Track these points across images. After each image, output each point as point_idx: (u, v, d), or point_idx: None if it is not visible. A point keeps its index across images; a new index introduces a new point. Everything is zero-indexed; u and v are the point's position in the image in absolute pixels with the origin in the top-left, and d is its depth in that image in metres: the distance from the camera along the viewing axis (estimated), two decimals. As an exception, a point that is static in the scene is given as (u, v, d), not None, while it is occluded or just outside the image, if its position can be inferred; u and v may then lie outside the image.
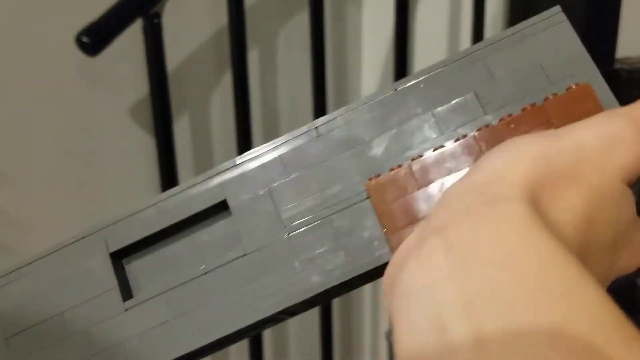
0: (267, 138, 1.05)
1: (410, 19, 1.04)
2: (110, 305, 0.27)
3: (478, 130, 0.25)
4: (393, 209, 0.25)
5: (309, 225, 0.26)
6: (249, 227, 0.27)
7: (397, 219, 0.24)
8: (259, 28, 0.99)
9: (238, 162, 0.27)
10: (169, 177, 0.85)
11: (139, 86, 0.87)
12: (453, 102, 0.26)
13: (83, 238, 0.28)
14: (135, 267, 0.28)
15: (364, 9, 1.12)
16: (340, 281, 0.26)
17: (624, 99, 0.59)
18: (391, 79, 0.97)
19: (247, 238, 0.26)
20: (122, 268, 0.28)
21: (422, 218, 0.24)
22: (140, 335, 0.26)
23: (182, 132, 0.95)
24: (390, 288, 0.22)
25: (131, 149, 0.90)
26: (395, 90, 0.27)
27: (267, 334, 1.17)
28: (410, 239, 0.22)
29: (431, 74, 0.27)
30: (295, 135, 0.27)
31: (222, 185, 0.27)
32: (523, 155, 0.21)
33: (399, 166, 0.25)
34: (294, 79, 1.04)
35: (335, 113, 0.28)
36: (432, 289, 0.19)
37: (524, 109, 0.25)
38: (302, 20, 0.99)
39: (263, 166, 0.27)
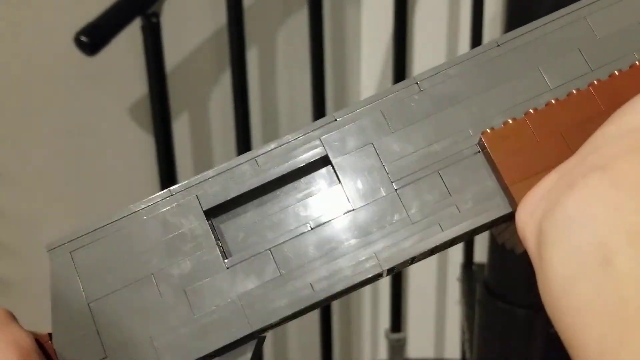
0: (266, 137, 1.05)
1: (409, 19, 1.05)
2: (210, 265, 0.25)
3: (591, 84, 0.25)
4: (513, 161, 0.24)
5: (418, 179, 0.26)
6: (355, 182, 0.26)
7: (519, 170, 0.24)
8: (258, 27, 0.99)
9: (338, 118, 0.27)
10: (168, 176, 0.86)
11: (138, 85, 0.87)
12: (558, 59, 0.26)
13: (172, 195, 0.26)
14: (229, 226, 0.27)
15: (362, 8, 1.12)
16: (456, 234, 0.25)
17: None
18: (390, 78, 0.97)
19: (354, 193, 0.26)
20: (217, 226, 0.27)
21: (545, 169, 0.24)
22: (246, 293, 0.25)
23: (181, 131, 0.95)
24: (531, 222, 0.22)
25: (130, 148, 0.90)
26: (498, 45, 0.27)
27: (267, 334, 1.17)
28: (547, 182, 0.22)
29: (532, 30, 0.27)
30: (395, 90, 0.27)
31: (323, 140, 0.26)
32: None
33: (514, 119, 0.25)
34: (293, 78, 1.05)
35: (436, 68, 0.27)
36: (598, 218, 0.19)
37: (632, 66, 0.25)
38: (301, 20, 0.99)
39: (364, 121, 0.26)
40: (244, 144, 0.88)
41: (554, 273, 0.20)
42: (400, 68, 0.95)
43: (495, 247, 0.70)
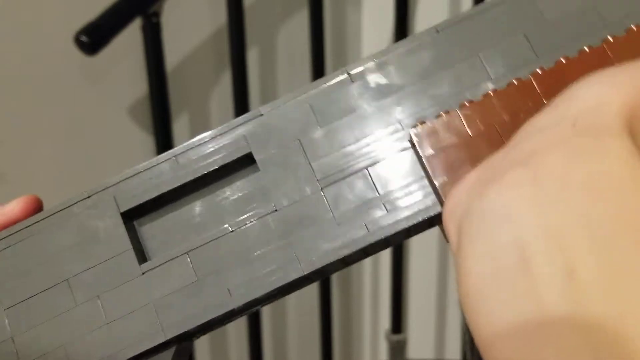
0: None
1: (410, 19, 1.04)
2: (124, 270, 0.24)
3: (533, 73, 0.23)
4: (443, 158, 0.23)
5: (345, 177, 0.24)
6: (279, 181, 0.24)
7: (448, 168, 0.23)
8: (259, 27, 0.99)
9: (263, 112, 0.25)
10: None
11: (138, 85, 0.87)
12: (501, 45, 0.24)
13: (89, 197, 0.25)
14: (148, 228, 0.25)
15: (363, 9, 1.12)
16: (383, 236, 0.24)
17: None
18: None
19: (277, 193, 0.24)
20: (135, 229, 0.25)
21: (466, 163, 0.22)
22: (161, 299, 0.24)
23: (181, 131, 0.95)
24: (453, 218, 0.21)
25: (130, 148, 0.90)
26: (437, 32, 0.25)
27: (267, 333, 1.17)
28: (472, 176, 0.21)
29: (475, 14, 0.25)
30: (326, 82, 0.25)
31: (247, 136, 0.25)
32: (619, 85, 0.19)
33: (447, 112, 0.23)
34: (293, 78, 1.05)
35: (370, 57, 0.25)
36: (517, 217, 0.18)
37: (581, 52, 0.23)
38: (301, 20, 0.99)
39: (292, 115, 0.25)
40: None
41: (470, 271, 0.18)
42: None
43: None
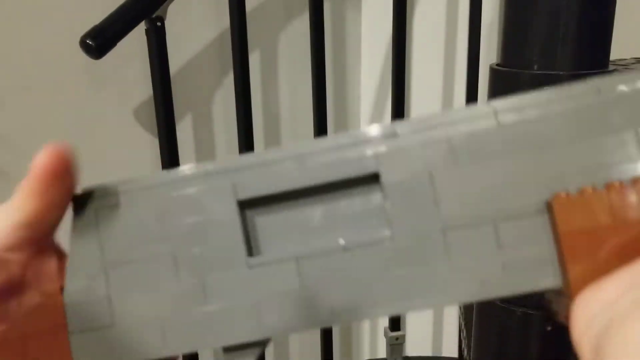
0: (268, 138, 1.06)
1: (408, 22, 1.05)
2: (232, 258, 0.23)
3: None
4: (581, 238, 0.21)
5: (469, 226, 0.22)
6: (401, 209, 0.23)
7: (584, 252, 0.21)
8: (261, 31, 1.00)
9: (399, 131, 0.23)
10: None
11: (143, 88, 0.88)
12: None
13: (207, 175, 0.24)
14: (261, 221, 0.24)
15: (363, 13, 1.13)
16: (492, 295, 0.22)
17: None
18: (390, 82, 0.98)
19: (398, 221, 0.23)
20: (247, 219, 0.24)
21: (615, 261, 0.20)
22: (264, 296, 0.23)
23: (185, 133, 0.95)
24: (589, 332, 0.19)
25: (135, 149, 0.91)
26: (599, 91, 0.23)
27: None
28: (611, 289, 0.20)
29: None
30: (469, 114, 0.23)
31: (377, 155, 0.23)
32: None
33: (594, 188, 0.21)
34: (295, 81, 1.05)
35: (520, 100, 0.23)
36: None
37: None
38: (302, 24, 0.99)
39: (427, 144, 0.23)
40: (246, 145, 0.89)
41: None
42: (399, 71, 0.96)
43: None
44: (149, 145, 0.91)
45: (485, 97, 0.64)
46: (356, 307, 0.23)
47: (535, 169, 0.22)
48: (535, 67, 0.58)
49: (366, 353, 1.33)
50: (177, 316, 0.23)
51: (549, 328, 0.65)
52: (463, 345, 0.99)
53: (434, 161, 0.23)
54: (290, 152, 0.24)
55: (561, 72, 0.56)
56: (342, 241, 0.23)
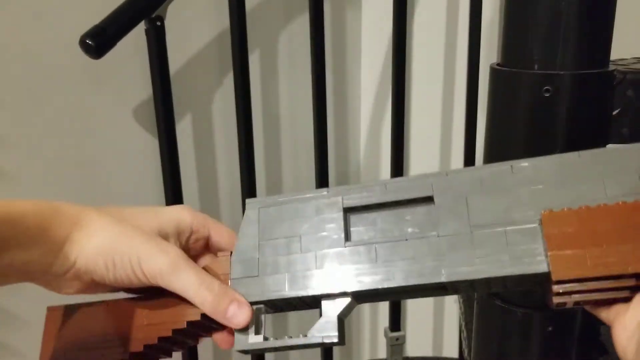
0: (268, 138, 1.06)
1: (408, 22, 1.05)
2: (335, 242, 0.38)
3: (636, 201, 0.33)
4: (558, 236, 0.33)
5: (489, 230, 0.35)
6: (446, 219, 0.36)
7: (562, 244, 0.33)
8: (261, 31, 1.00)
9: (449, 174, 0.37)
10: (171, 177, 0.86)
11: (143, 88, 0.88)
12: (620, 177, 0.34)
13: (327, 193, 0.39)
14: (355, 221, 0.39)
15: (363, 13, 1.13)
16: (502, 274, 0.34)
17: (619, 99, 0.60)
18: (389, 82, 0.98)
19: (442, 225, 0.36)
20: (348, 219, 0.39)
21: (579, 248, 0.32)
22: (352, 267, 0.37)
23: (185, 133, 0.96)
24: (635, 345, 0.29)
25: (134, 149, 0.91)
26: (579, 156, 0.35)
27: (269, 330, 1.18)
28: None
29: (607, 152, 0.35)
30: (495, 168, 0.36)
31: (433, 185, 0.37)
32: None
33: (570, 208, 0.34)
34: (295, 81, 1.05)
35: (528, 160, 0.36)
36: None
37: None
38: (302, 24, 0.99)
39: (464, 179, 0.37)
40: (246, 145, 0.89)
41: None
42: (399, 71, 0.96)
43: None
44: (149, 145, 0.91)
45: (485, 97, 0.64)
46: (409, 273, 0.36)
47: (534, 198, 0.35)
48: (536, 67, 0.58)
49: (366, 353, 1.33)
50: (296, 272, 0.38)
51: (549, 328, 0.65)
52: (463, 346, 0.99)
53: (468, 188, 0.36)
54: (379, 181, 0.38)
55: (562, 72, 0.56)
56: (405, 235, 0.37)
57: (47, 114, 0.83)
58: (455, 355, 1.25)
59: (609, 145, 0.34)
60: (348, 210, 0.39)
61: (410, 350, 1.30)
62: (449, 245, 0.35)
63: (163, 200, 0.88)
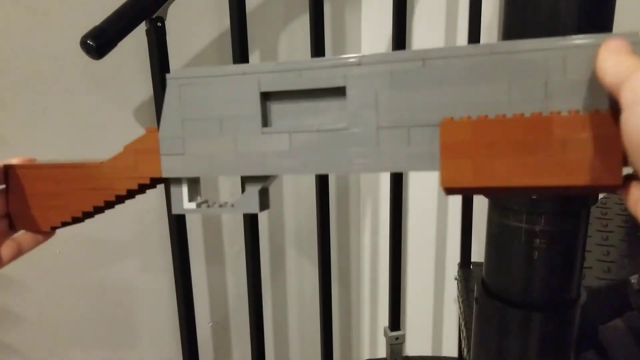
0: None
1: (408, 22, 1.05)
2: (254, 127, 0.39)
3: (533, 114, 0.32)
4: (452, 144, 0.33)
5: (393, 127, 0.36)
6: (355, 111, 0.37)
7: (453, 153, 0.33)
8: (261, 31, 1.00)
9: (362, 63, 0.36)
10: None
11: (143, 88, 0.88)
12: (527, 81, 0.33)
13: (244, 74, 0.39)
14: (273, 108, 0.39)
15: (363, 13, 1.13)
16: (398, 170, 0.36)
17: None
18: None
19: (352, 119, 0.37)
20: (266, 105, 0.39)
21: (467, 158, 0.33)
22: (268, 152, 0.38)
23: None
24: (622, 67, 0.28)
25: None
26: (492, 53, 0.34)
27: (268, 331, 1.18)
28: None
29: (520, 48, 0.33)
30: (407, 57, 0.35)
31: (346, 76, 0.37)
32: None
33: (469, 117, 0.33)
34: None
35: (440, 50, 0.35)
36: None
37: (570, 112, 0.31)
38: (302, 24, 1.00)
39: (375, 74, 0.36)
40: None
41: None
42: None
43: (492, 247, 0.71)
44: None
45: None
46: (318, 163, 0.38)
47: (439, 99, 0.35)
48: (535, 67, 0.58)
49: (366, 353, 1.33)
50: (218, 154, 0.39)
51: (547, 329, 0.65)
52: (463, 345, 0.99)
53: (379, 85, 0.36)
54: (296, 65, 0.38)
55: (561, 73, 0.56)
56: (316, 125, 0.38)
57: (48, 114, 0.83)
58: (455, 354, 1.25)
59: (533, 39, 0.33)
60: (265, 95, 0.39)
61: (410, 349, 1.30)
62: (356, 137, 0.37)
63: (163, 200, 0.88)
